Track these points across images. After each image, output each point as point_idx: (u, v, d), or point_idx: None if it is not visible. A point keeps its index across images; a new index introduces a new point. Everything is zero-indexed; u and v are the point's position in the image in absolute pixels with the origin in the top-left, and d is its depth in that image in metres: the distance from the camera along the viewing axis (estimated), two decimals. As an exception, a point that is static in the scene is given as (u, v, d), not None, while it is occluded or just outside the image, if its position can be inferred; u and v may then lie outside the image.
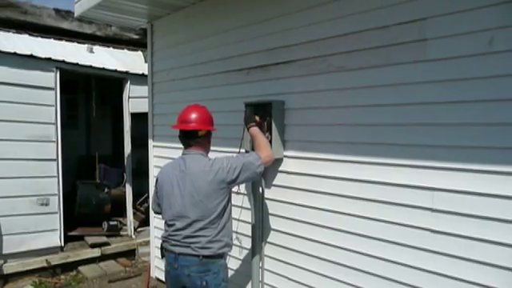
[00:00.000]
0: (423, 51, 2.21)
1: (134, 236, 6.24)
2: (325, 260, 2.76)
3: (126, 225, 6.40)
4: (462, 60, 2.08)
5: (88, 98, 8.06)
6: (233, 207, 2.72)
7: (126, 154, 6.32)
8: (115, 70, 6.09)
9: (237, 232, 3.32)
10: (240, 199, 3.25)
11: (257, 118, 2.95)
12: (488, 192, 2.00)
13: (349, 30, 2.57)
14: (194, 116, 2.63)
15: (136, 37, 7.22)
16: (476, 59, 2.03)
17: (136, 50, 7.12)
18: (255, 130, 2.86)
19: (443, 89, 2.15)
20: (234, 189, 3.14)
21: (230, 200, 2.63)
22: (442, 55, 2.15)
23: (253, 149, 2.89)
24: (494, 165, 1.97)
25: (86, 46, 6.57)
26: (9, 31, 5.95)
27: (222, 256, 2.58)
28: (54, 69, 5.40)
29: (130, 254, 5.99)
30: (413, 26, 2.25)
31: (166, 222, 2.66)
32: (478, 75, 2.02)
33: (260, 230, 3.16)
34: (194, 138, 2.64)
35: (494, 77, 1.97)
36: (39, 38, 6.18)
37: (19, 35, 5.98)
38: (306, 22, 2.84)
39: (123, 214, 6.47)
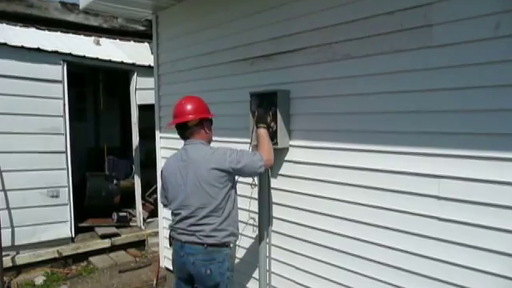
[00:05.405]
0: (429, 37, 2.18)
1: (143, 227, 6.31)
2: (332, 249, 2.77)
3: (135, 216, 6.47)
4: (467, 45, 2.04)
5: (96, 91, 8.10)
6: (241, 198, 2.73)
7: (134, 146, 6.36)
8: (122, 62, 6.10)
9: (246, 223, 3.34)
10: (248, 190, 3.26)
11: (268, 120, 2.95)
12: (495, 179, 1.97)
13: (354, 16, 2.54)
14: (182, 108, 2.69)
15: (142, 28, 7.18)
16: (482, 44, 1.99)
17: (142, 42, 7.11)
18: (263, 131, 2.89)
19: (450, 75, 2.11)
20: (247, 180, 3.16)
21: (233, 188, 2.65)
22: (448, 41, 2.11)
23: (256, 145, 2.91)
24: (501, 151, 1.94)
25: (93, 38, 6.57)
26: (16, 25, 5.97)
27: (227, 245, 2.60)
28: (61, 62, 5.43)
29: (140, 244, 6.07)
30: (418, 12, 2.22)
31: (172, 212, 2.71)
32: (485, 60, 1.98)
33: (266, 220, 3.17)
34: (186, 129, 2.69)
35: (500, 62, 1.93)
36: (46, 31, 6.19)
37: (26, 29, 6.00)
38: (309, 9, 2.81)
39: (132, 205, 6.54)
